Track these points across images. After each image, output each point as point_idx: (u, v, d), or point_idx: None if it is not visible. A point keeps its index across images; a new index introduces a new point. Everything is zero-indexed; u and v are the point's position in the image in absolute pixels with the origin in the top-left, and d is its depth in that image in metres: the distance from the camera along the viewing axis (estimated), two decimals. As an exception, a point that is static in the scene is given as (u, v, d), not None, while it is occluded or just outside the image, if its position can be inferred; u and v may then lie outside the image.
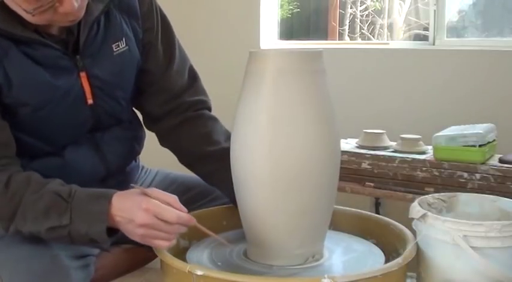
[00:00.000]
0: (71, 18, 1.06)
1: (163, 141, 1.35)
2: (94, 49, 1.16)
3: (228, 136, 1.29)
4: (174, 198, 1.05)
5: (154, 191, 1.05)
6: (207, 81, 1.38)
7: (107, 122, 1.23)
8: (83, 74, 1.15)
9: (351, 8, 3.75)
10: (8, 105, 1.10)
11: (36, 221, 1.04)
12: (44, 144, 1.17)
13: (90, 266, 1.15)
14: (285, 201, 1.07)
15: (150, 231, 1.02)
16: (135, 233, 1.03)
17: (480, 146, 1.58)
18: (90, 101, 1.17)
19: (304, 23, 3.69)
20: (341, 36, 3.64)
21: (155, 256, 1.11)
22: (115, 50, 1.19)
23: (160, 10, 1.29)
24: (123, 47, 1.20)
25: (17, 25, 1.06)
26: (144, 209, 1.01)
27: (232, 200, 1.19)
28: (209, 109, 1.36)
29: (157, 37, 1.27)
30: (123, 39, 1.20)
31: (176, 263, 1.03)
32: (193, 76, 1.34)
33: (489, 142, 1.61)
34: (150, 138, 1.39)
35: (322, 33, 3.65)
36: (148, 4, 1.25)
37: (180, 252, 1.16)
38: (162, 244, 1.04)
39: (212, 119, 1.33)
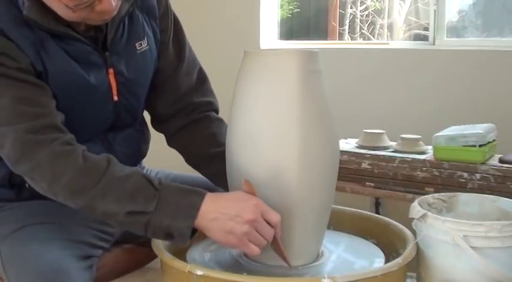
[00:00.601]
0: (106, 17, 1.08)
1: (171, 142, 1.36)
2: (120, 47, 1.18)
3: None
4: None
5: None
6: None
7: (124, 119, 1.24)
8: (110, 71, 1.17)
9: (351, 8, 3.76)
10: None
11: (119, 201, 1.01)
12: None
13: (93, 267, 1.14)
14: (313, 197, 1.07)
15: (252, 231, 1.00)
16: (237, 230, 1.00)
17: (480, 146, 1.58)
18: (115, 98, 1.19)
19: (304, 23, 3.69)
20: (341, 36, 3.65)
21: (155, 256, 1.11)
22: (138, 48, 1.21)
23: (173, 11, 1.31)
24: (145, 47, 1.22)
25: (51, 19, 1.07)
26: (254, 204, 1.01)
27: None
28: (216, 111, 1.37)
29: (170, 37, 1.29)
30: (145, 39, 1.22)
31: (176, 263, 1.03)
32: (202, 78, 1.35)
33: (489, 142, 1.61)
34: (151, 140, 1.39)
35: (322, 33, 3.66)
36: (164, 5, 1.28)
37: (180, 252, 1.16)
38: (255, 250, 1.02)
39: (218, 121, 1.34)
